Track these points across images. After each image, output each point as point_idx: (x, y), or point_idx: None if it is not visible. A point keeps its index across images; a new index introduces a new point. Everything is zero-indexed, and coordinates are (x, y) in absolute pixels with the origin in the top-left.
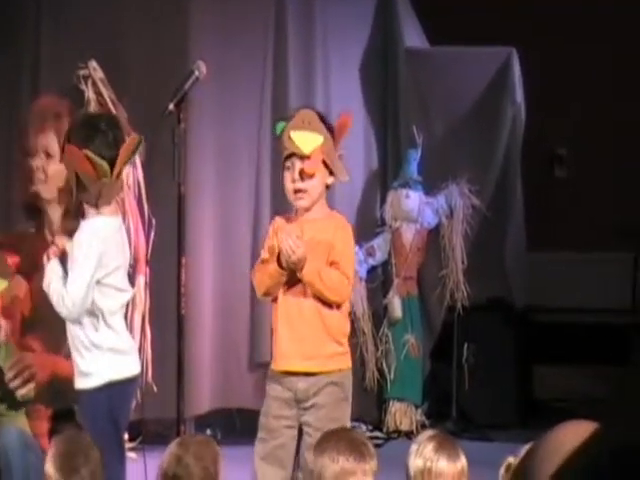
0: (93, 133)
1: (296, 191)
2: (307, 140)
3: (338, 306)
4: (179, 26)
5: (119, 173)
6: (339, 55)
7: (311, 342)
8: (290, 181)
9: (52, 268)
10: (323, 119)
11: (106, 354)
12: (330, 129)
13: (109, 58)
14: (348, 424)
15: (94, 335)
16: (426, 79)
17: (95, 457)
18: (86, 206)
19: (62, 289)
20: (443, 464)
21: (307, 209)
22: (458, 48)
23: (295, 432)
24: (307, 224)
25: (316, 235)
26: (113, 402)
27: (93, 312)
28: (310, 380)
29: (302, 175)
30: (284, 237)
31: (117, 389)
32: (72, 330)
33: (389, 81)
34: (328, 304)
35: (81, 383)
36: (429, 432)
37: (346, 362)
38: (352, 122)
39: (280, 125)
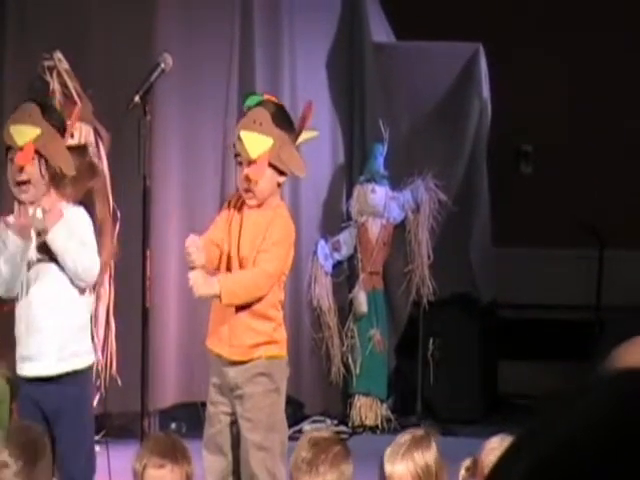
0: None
1: (245, 190)
2: (255, 143)
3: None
4: (145, 18)
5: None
6: (306, 49)
7: (236, 330)
8: (240, 179)
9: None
10: (280, 114)
11: (89, 333)
12: (287, 124)
13: (75, 49)
14: (279, 414)
15: (87, 316)
16: (393, 73)
17: (48, 449)
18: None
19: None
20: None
21: (258, 206)
22: (425, 43)
23: (233, 419)
24: (248, 211)
25: (250, 225)
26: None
27: (87, 293)
28: (238, 369)
29: (247, 179)
30: (188, 242)
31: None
32: (64, 310)
33: (355, 75)
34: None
35: (78, 363)
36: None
37: (275, 350)
38: (314, 112)
39: (251, 99)
